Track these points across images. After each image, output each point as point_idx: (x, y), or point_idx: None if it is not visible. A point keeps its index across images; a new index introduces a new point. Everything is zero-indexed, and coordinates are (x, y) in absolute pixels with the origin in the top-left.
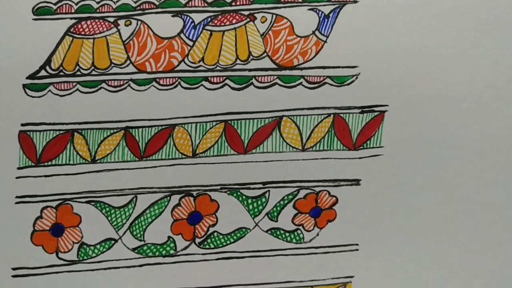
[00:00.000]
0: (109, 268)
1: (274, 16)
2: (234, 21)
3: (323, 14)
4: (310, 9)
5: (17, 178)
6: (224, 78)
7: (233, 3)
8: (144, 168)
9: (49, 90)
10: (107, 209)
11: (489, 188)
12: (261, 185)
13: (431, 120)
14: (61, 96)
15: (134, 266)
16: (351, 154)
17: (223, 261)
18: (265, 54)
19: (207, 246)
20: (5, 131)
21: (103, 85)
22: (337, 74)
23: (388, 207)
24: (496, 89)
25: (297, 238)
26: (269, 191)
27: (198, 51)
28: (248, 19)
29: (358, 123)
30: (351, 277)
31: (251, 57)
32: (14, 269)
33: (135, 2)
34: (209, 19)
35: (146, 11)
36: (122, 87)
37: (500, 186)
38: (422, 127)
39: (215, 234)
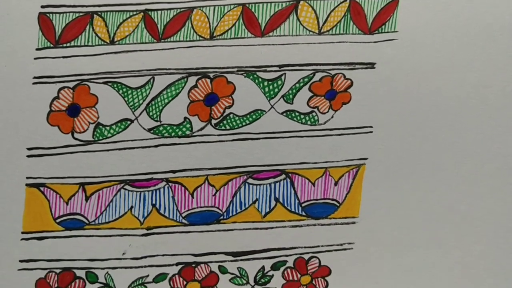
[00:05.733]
0: (124, 149)
1: None
2: None
3: None
4: None
5: (35, 59)
6: None
7: None
8: (162, 49)
9: None
10: (124, 89)
11: (502, 73)
12: (277, 68)
13: (445, 5)
14: None
15: (149, 147)
16: (366, 38)
17: (238, 142)
18: None
19: (223, 127)
20: (24, 13)
21: None
22: None
23: (402, 90)
24: None
25: (312, 120)
26: (285, 73)
27: None
28: None
29: (374, 8)
30: (365, 159)
31: None
32: (29, 149)
33: None
34: None
35: None
36: None
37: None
38: (436, 12)
39: (231, 115)
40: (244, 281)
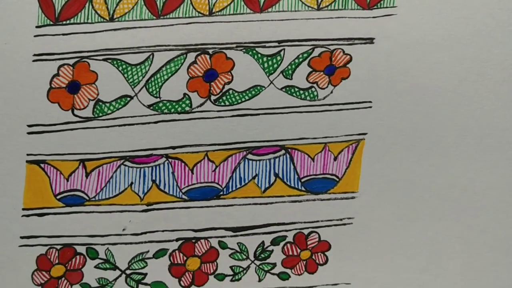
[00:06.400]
0: (124, 125)
1: None
2: None
3: None
4: None
5: (35, 36)
6: None
7: None
8: (161, 26)
9: None
10: (124, 66)
11: (500, 47)
12: (276, 44)
13: None
14: None
15: (149, 123)
16: (366, 13)
17: (237, 118)
18: None
19: (222, 103)
20: None
21: None
22: None
23: (401, 65)
24: None
25: (312, 95)
26: (284, 49)
27: None
28: None
29: None
30: (364, 134)
31: None
32: (29, 126)
33: None
34: None
35: None
36: None
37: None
38: None
39: (230, 91)
40: (244, 256)
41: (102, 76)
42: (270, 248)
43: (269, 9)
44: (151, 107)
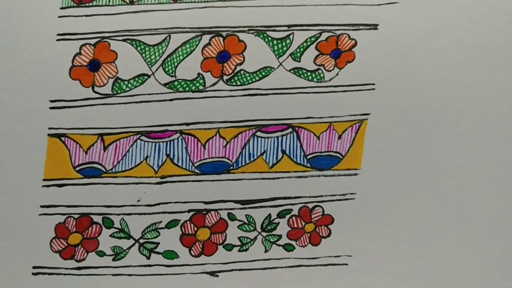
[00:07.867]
0: (141, 102)
1: None
2: None
3: None
4: None
5: (59, 17)
6: None
7: None
8: (178, 9)
9: None
10: (142, 46)
11: (498, 35)
12: (286, 28)
13: None
14: None
15: (164, 100)
16: (370, 1)
17: (248, 97)
18: None
19: (234, 83)
20: None
21: None
22: None
23: (403, 50)
24: None
25: (318, 77)
26: (293, 33)
27: None
28: None
29: None
30: (367, 114)
31: None
32: (52, 101)
33: None
34: None
35: None
36: None
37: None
38: None
39: (242, 72)
40: (252, 228)
41: (122, 56)
42: (276, 221)
43: None
44: (167, 86)
